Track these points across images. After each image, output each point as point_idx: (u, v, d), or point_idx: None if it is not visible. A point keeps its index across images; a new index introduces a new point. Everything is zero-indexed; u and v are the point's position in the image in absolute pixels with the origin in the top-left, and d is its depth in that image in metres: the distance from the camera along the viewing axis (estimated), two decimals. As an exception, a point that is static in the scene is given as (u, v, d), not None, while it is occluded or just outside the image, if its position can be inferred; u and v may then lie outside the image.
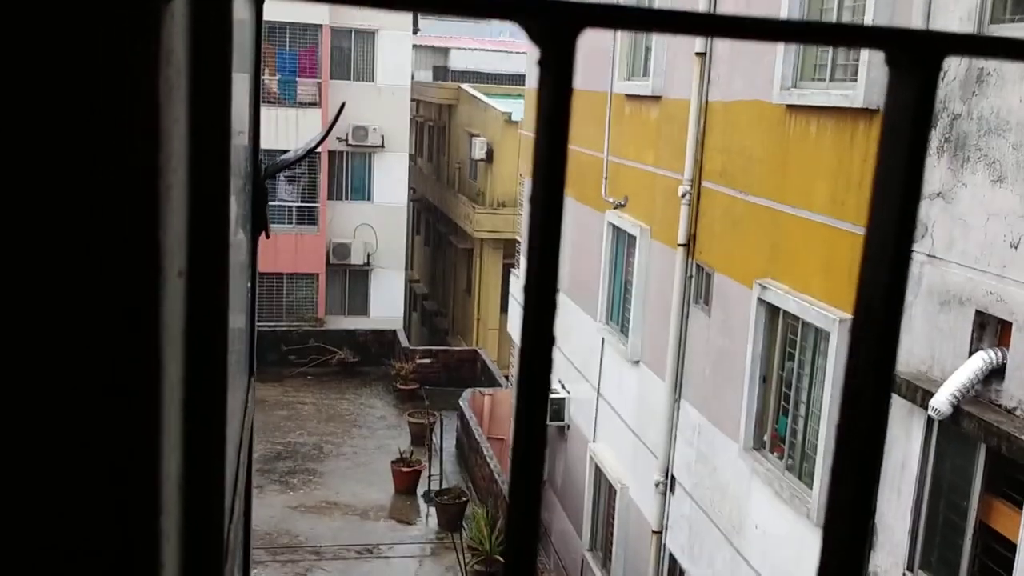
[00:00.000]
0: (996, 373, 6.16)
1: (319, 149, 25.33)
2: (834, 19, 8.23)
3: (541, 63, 0.38)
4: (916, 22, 6.92)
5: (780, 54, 8.73)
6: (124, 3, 0.44)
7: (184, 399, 0.63)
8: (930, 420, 6.63)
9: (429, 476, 17.94)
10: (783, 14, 8.70)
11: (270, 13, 25.86)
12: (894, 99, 0.43)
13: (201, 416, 0.66)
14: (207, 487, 0.68)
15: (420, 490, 18.07)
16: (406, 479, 18.02)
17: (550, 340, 0.42)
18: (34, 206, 0.46)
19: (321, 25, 25.49)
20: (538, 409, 0.43)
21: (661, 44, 11.55)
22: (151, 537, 0.48)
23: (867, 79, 7.45)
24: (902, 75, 0.42)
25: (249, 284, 1.59)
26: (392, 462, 18.24)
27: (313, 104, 25.52)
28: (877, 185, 0.44)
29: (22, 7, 0.44)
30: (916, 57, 0.42)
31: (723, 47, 10.11)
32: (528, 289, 0.41)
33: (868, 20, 7.47)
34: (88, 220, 0.46)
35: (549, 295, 0.41)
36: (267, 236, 1.67)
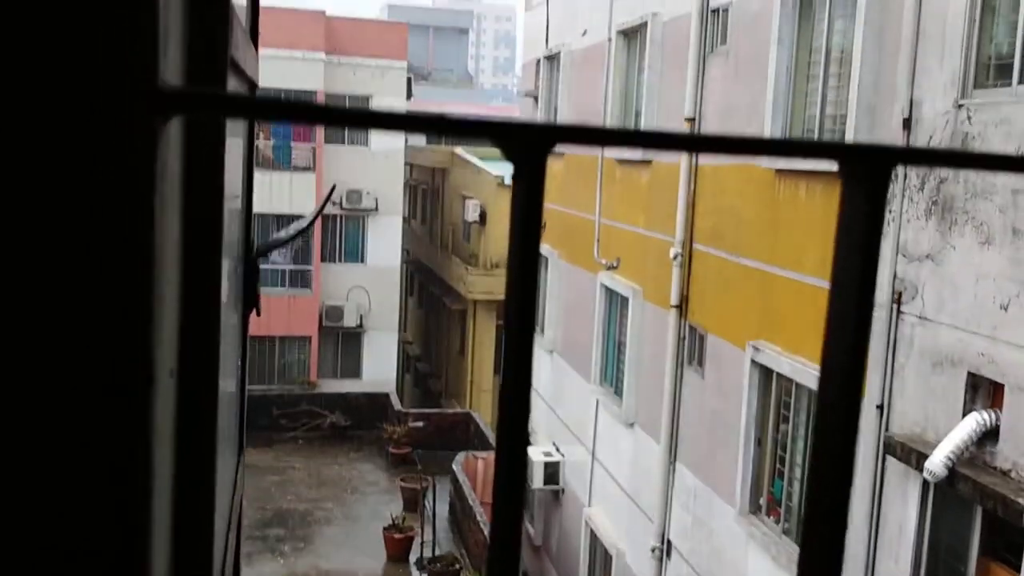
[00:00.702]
0: (990, 435, 6.14)
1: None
2: (819, 88, 8.38)
3: (514, 177, 0.40)
4: (901, 89, 7.05)
5: (768, 118, 8.87)
6: (123, 123, 0.46)
7: (174, 497, 0.63)
8: (925, 483, 6.59)
9: (422, 542, 17.67)
10: (769, 88, 8.85)
11: (263, 79, 26.21)
12: (847, 207, 0.45)
13: (189, 516, 0.67)
14: (196, 571, 0.68)
15: (413, 557, 17.80)
16: (398, 546, 17.75)
17: (523, 457, 0.43)
18: (30, 313, 0.47)
19: (316, 91, 25.84)
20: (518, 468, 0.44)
21: (651, 109, 11.73)
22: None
23: (855, 141, 7.55)
24: (854, 185, 0.45)
25: (239, 362, 1.60)
26: (384, 528, 17.99)
27: (307, 168, 25.74)
28: (834, 287, 0.46)
29: (26, 121, 0.45)
30: (867, 168, 0.45)
31: (712, 112, 10.27)
32: (503, 397, 0.42)
33: (854, 86, 7.60)
34: (80, 329, 0.47)
35: (523, 404, 0.43)
36: (258, 314, 1.67)
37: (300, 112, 0.39)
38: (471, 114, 0.43)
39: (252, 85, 1.51)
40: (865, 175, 0.45)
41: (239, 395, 1.64)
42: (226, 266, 1.11)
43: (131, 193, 0.47)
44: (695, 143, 0.46)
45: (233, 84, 1.08)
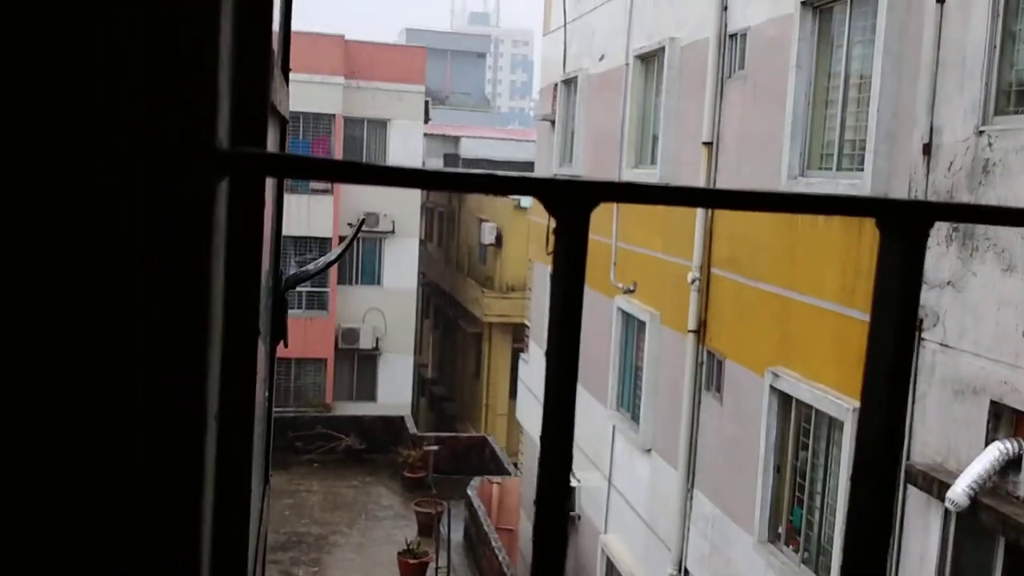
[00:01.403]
0: (1013, 464, 6.06)
1: (330, 236, 25.59)
2: (838, 114, 8.37)
3: (557, 233, 0.40)
4: (921, 115, 7.02)
5: (786, 144, 8.86)
6: (184, 185, 0.47)
7: (214, 525, 0.64)
8: (947, 512, 6.51)
9: (436, 568, 17.58)
10: (787, 114, 8.84)
11: (284, 103, 26.33)
12: (885, 262, 0.45)
13: (225, 556, 0.67)
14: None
15: (427, 581, 17.70)
16: (413, 571, 17.66)
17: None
18: (96, 370, 0.49)
19: (334, 115, 26.03)
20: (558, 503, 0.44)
21: (669, 132, 11.74)
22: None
23: (874, 168, 7.53)
24: (891, 240, 0.45)
25: (267, 393, 1.60)
26: (399, 553, 17.91)
27: (325, 191, 25.89)
28: (872, 340, 0.46)
29: (93, 183, 0.46)
30: (904, 224, 0.44)
31: (730, 137, 10.27)
32: (544, 444, 0.42)
33: (873, 112, 7.59)
34: (140, 378, 0.48)
35: (566, 451, 0.43)
36: (286, 346, 1.68)
37: (347, 172, 0.38)
38: (513, 173, 0.43)
39: (284, 121, 1.52)
40: (903, 231, 0.45)
41: (266, 426, 1.65)
42: (261, 300, 1.12)
43: (190, 252, 0.48)
44: (735, 199, 0.45)
45: (269, 126, 1.09)
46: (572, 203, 0.41)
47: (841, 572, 0.50)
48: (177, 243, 0.48)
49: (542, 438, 0.42)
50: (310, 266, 2.94)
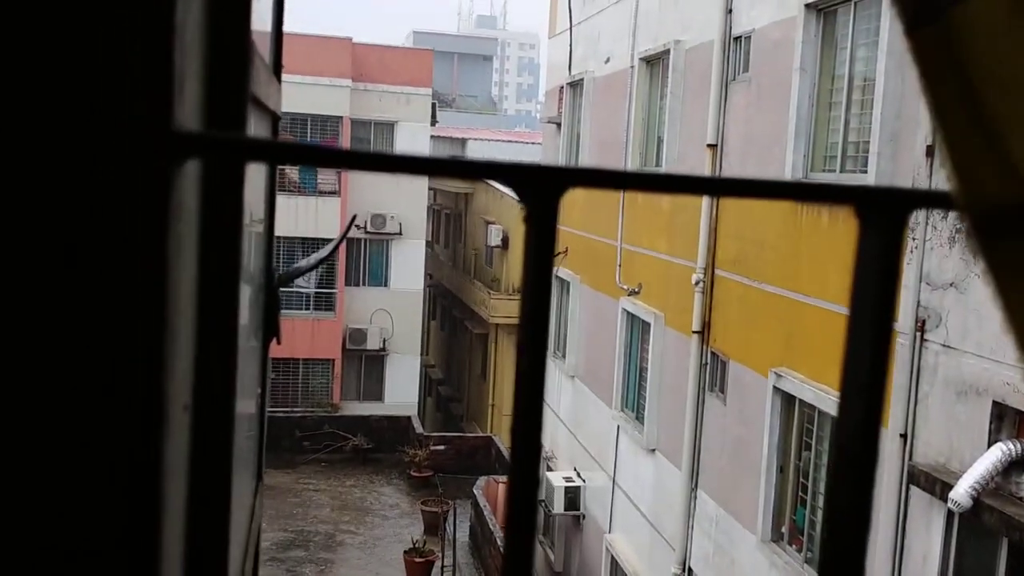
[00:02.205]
0: (1016, 465, 6.07)
1: (337, 236, 25.63)
2: (842, 116, 8.38)
3: (526, 220, 0.42)
4: (924, 117, 7.03)
5: (790, 146, 8.87)
6: (136, 166, 0.48)
7: (186, 533, 0.65)
8: (950, 513, 6.52)
9: (443, 567, 17.61)
10: (791, 116, 8.85)
11: (290, 105, 26.28)
12: (863, 252, 0.45)
13: (205, 546, 0.68)
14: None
15: (433, 581, 17.72)
16: (419, 570, 17.69)
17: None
18: (44, 354, 0.49)
19: (342, 117, 26.06)
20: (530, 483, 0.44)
21: (673, 136, 11.75)
22: None
23: (877, 170, 7.54)
24: (869, 229, 0.45)
25: (260, 390, 1.63)
26: (405, 552, 17.94)
27: (332, 193, 25.93)
28: (850, 333, 0.46)
29: (40, 161, 0.47)
30: (883, 212, 0.45)
31: (734, 138, 10.28)
32: (513, 438, 0.44)
33: (876, 114, 7.60)
34: (93, 369, 0.49)
35: (534, 446, 0.44)
36: (279, 343, 1.71)
37: (314, 155, 0.41)
38: (485, 152, 0.45)
39: (275, 118, 1.55)
40: (882, 220, 0.45)
41: (259, 422, 1.67)
42: (247, 294, 1.14)
43: (144, 236, 0.48)
44: (711, 186, 0.47)
45: (255, 120, 1.11)
46: (541, 189, 0.42)
47: (820, 569, 0.49)
48: (127, 227, 0.48)
49: (512, 435, 0.44)
50: (302, 263, 2.96)
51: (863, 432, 0.46)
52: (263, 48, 1.33)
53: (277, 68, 1.70)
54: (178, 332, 0.56)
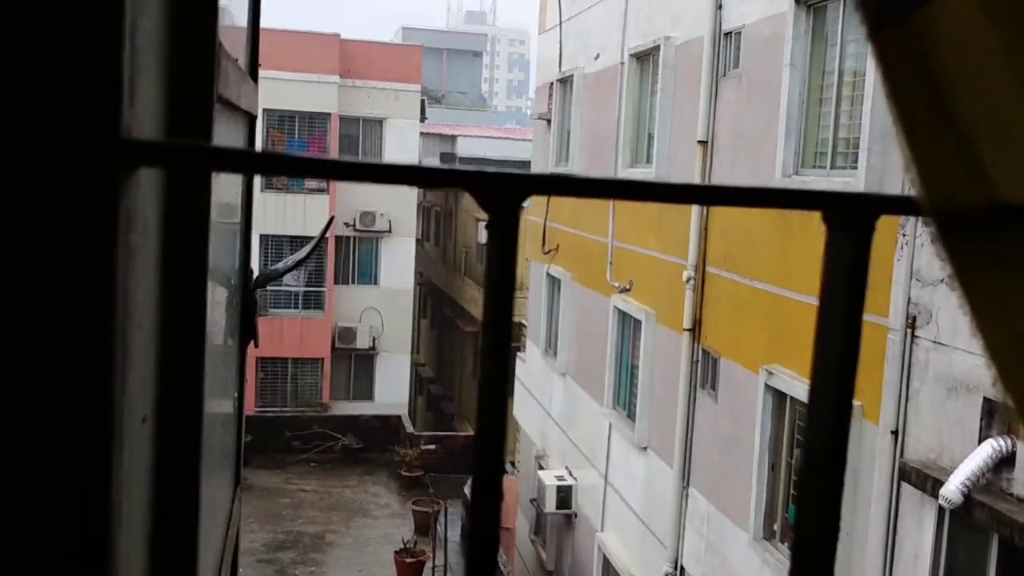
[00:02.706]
0: (1006, 461, 6.07)
1: (327, 234, 25.58)
2: (832, 111, 8.37)
3: (488, 226, 0.40)
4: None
5: (781, 140, 8.86)
6: (83, 175, 0.46)
7: (152, 534, 0.62)
8: (941, 509, 6.52)
9: (433, 567, 17.60)
10: (782, 111, 8.85)
11: (278, 102, 26.19)
12: (831, 256, 0.45)
13: (172, 556, 0.66)
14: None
15: (424, 580, 17.71)
16: (410, 570, 17.68)
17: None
18: None
19: (330, 114, 26.02)
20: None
21: (664, 131, 11.74)
22: None
23: (867, 166, 7.54)
24: (837, 234, 0.45)
25: (237, 394, 1.59)
26: (395, 552, 17.92)
27: (321, 191, 25.88)
28: (819, 335, 0.46)
29: None
30: (850, 218, 0.44)
31: (724, 135, 10.28)
32: (478, 441, 0.43)
33: (867, 110, 7.59)
34: (39, 381, 0.46)
35: (496, 449, 0.43)
36: (256, 345, 1.67)
37: (266, 163, 0.38)
38: (442, 165, 0.42)
39: (251, 118, 1.51)
40: (849, 225, 0.45)
41: (236, 425, 1.64)
42: (223, 296, 1.11)
43: (90, 245, 0.46)
44: (674, 192, 0.45)
45: (226, 121, 1.08)
46: (501, 196, 0.41)
47: (791, 567, 0.49)
48: (72, 236, 0.47)
49: (475, 443, 0.42)
50: (279, 265, 2.94)
51: (832, 436, 0.46)
52: (237, 47, 1.29)
53: (254, 67, 1.66)
54: (132, 343, 0.53)
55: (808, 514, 0.48)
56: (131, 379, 0.53)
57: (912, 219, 7.08)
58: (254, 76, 1.59)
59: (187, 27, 0.70)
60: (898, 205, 0.49)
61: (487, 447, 0.43)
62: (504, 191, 0.39)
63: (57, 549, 0.48)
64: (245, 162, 0.38)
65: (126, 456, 0.51)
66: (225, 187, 1.16)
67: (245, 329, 1.57)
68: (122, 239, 0.47)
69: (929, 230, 0.45)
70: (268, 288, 25.54)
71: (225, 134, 1.14)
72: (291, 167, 0.38)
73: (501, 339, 0.42)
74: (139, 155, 0.46)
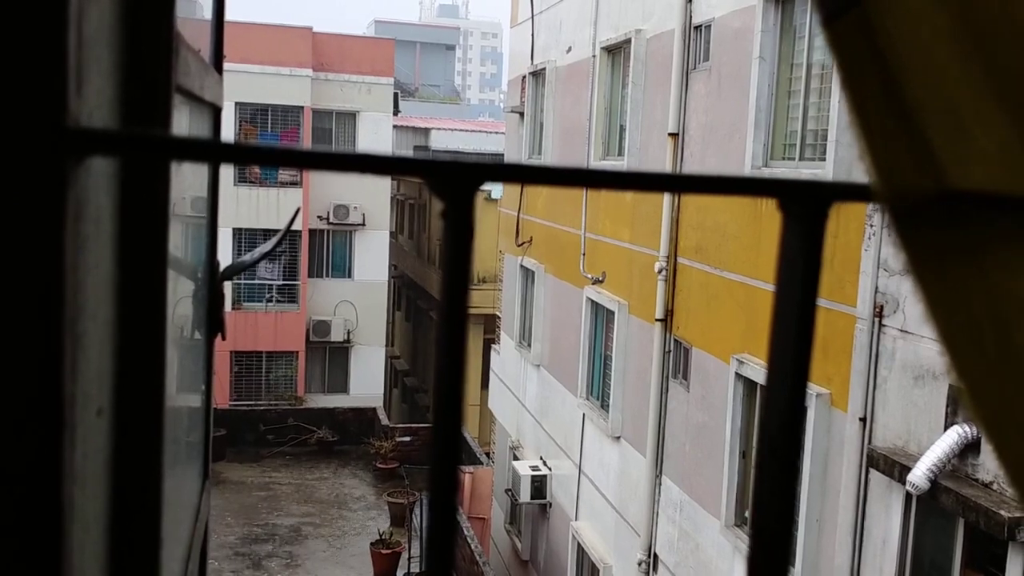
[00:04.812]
0: (972, 447, 6.18)
1: (300, 229, 25.45)
2: (801, 104, 8.45)
3: (443, 215, 0.42)
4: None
5: (751, 132, 8.93)
6: (26, 165, 0.46)
7: (110, 534, 0.63)
8: (908, 495, 6.62)
9: (409, 558, 17.61)
10: (751, 104, 8.92)
11: (251, 95, 25.91)
12: (786, 243, 0.45)
13: (133, 550, 0.66)
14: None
15: (400, 572, 17.72)
16: (385, 561, 17.68)
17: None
18: None
19: (303, 107, 25.85)
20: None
21: (635, 124, 11.79)
22: None
23: (835, 158, 7.62)
24: (792, 221, 0.45)
25: (204, 387, 1.60)
26: (371, 544, 17.91)
27: (294, 184, 25.72)
28: (775, 322, 0.47)
29: None
30: (805, 204, 0.45)
31: (695, 128, 10.33)
32: (434, 434, 0.43)
33: (835, 102, 7.67)
34: None
35: (453, 445, 0.44)
36: (223, 338, 1.68)
37: (217, 152, 0.40)
38: (399, 153, 0.45)
39: (215, 110, 1.52)
40: (804, 212, 0.45)
41: (204, 419, 1.65)
42: (187, 288, 1.12)
43: (35, 234, 0.46)
44: (629, 180, 0.47)
45: (189, 112, 1.09)
46: (456, 184, 0.42)
47: (748, 558, 0.49)
48: (15, 227, 0.46)
49: (432, 436, 0.44)
50: (246, 257, 2.94)
51: (786, 421, 0.47)
52: (201, 39, 1.30)
53: (218, 59, 1.67)
54: (85, 333, 0.54)
55: (764, 495, 0.48)
56: (85, 371, 0.53)
57: (879, 210, 7.17)
58: (219, 68, 1.59)
59: (142, 16, 0.70)
60: (852, 192, 0.49)
61: (446, 440, 0.44)
62: (457, 178, 0.41)
63: (3, 544, 0.48)
64: (196, 150, 0.39)
65: (80, 449, 0.51)
66: (190, 178, 1.17)
67: (212, 321, 1.57)
68: (70, 228, 0.47)
69: (884, 218, 0.46)
70: (242, 282, 25.36)
71: (187, 126, 1.15)
72: (246, 155, 0.40)
73: (456, 328, 0.43)
74: (86, 144, 0.47)
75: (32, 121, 0.46)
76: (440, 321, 0.44)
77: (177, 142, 0.40)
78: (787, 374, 0.47)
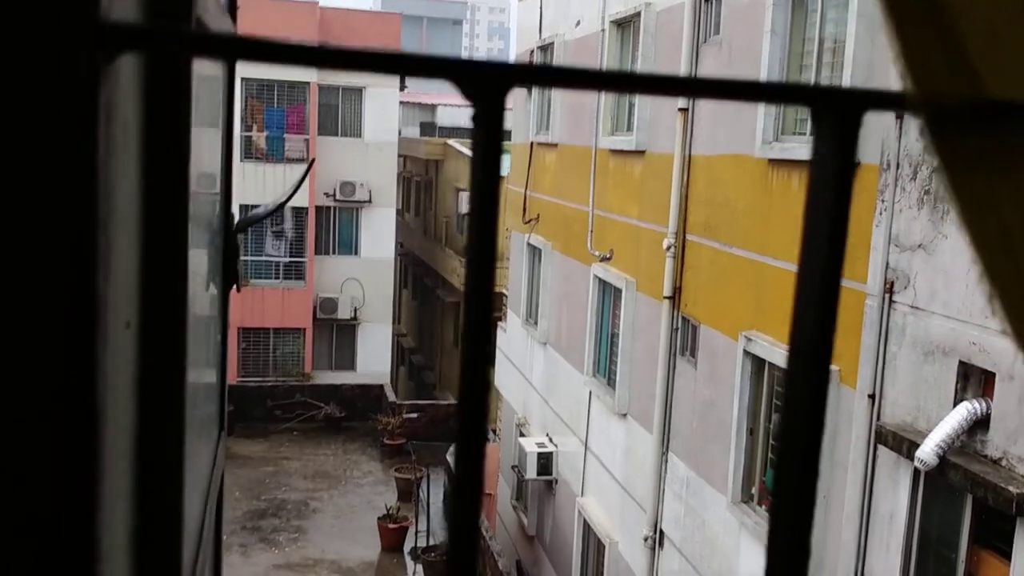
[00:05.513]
0: (981, 423, 6.16)
1: (306, 206, 25.44)
2: (812, 78, 8.38)
3: (474, 118, 0.40)
4: (895, 79, 7.04)
5: (761, 107, 8.87)
6: (59, 65, 0.45)
7: (137, 446, 0.62)
8: (917, 471, 6.62)
9: (416, 532, 17.71)
10: (763, 69, 8.85)
11: (258, 71, 25.93)
12: (819, 153, 0.45)
13: (156, 464, 0.66)
14: (163, 537, 0.67)
15: (407, 547, 17.83)
16: (393, 536, 17.79)
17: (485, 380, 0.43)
18: None
19: (309, 83, 25.77)
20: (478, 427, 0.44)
21: (645, 100, 11.71)
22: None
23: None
24: (825, 130, 0.45)
25: (220, 337, 1.59)
26: (379, 518, 18.02)
27: (301, 160, 25.68)
28: (806, 235, 0.46)
29: None
30: (838, 113, 0.44)
31: (706, 101, 10.27)
32: (465, 334, 0.43)
33: (847, 77, 7.61)
34: (19, 274, 0.46)
35: (482, 343, 0.43)
36: (238, 290, 1.67)
37: (249, 49, 0.38)
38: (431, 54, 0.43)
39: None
40: (836, 120, 0.45)
41: (220, 370, 1.64)
42: (203, 238, 1.10)
43: (70, 129, 0.46)
44: (661, 84, 0.45)
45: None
46: (487, 85, 0.41)
47: (769, 535, 0.48)
48: (55, 120, 0.45)
49: (462, 336, 0.43)
50: (260, 208, 2.93)
51: (817, 344, 0.46)
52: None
53: (232, 9, 1.65)
54: (115, 240, 0.53)
55: (787, 466, 0.48)
56: (115, 280, 0.52)
57: (891, 185, 7.12)
58: (233, 17, 1.58)
59: None
60: (886, 100, 0.49)
61: (473, 365, 0.43)
62: (489, 80, 0.39)
63: (41, 447, 0.48)
64: (227, 47, 0.38)
65: (111, 359, 0.50)
66: (204, 138, 1.15)
67: (228, 273, 1.56)
68: (103, 127, 0.46)
69: (917, 123, 0.46)
70: (249, 260, 25.38)
71: (205, 65, 1.13)
72: (273, 53, 0.39)
73: (486, 233, 0.42)
74: (118, 39, 0.45)
75: (66, 16, 0.44)
76: (471, 223, 0.43)
77: (209, 38, 0.38)
78: (818, 279, 0.46)
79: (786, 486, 0.48)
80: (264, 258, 25.89)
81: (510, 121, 20.20)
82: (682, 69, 10.47)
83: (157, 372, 0.68)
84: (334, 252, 27.19)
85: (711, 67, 10.13)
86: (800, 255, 0.47)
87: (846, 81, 7.61)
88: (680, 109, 10.53)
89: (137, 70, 0.60)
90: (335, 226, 27.21)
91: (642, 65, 11.70)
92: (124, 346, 0.58)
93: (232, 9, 1.63)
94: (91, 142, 0.45)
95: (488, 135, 0.41)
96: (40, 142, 0.45)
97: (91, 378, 0.47)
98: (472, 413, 0.44)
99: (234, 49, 0.38)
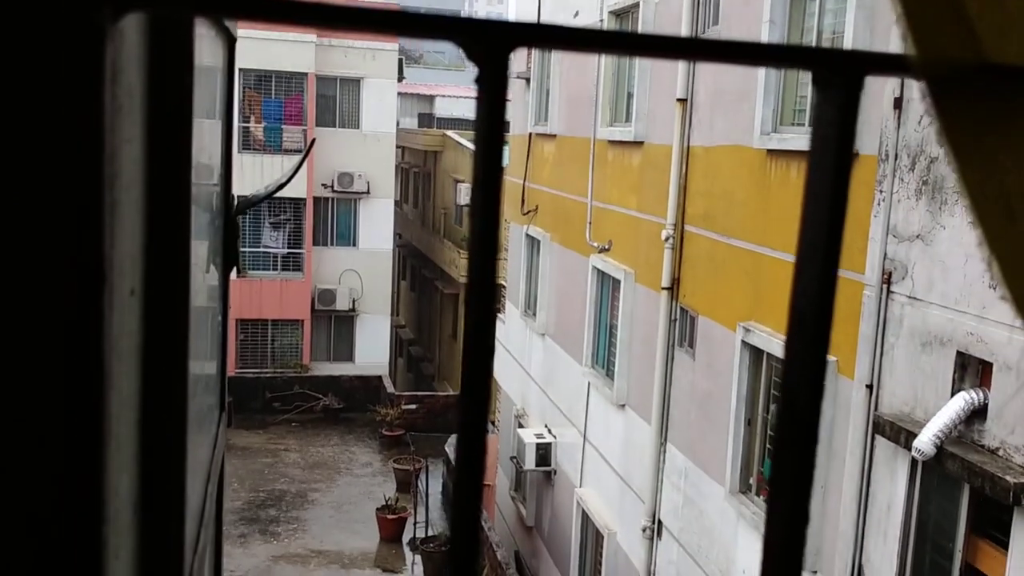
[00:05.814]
0: (978, 413, 6.18)
1: (304, 197, 25.41)
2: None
3: (477, 80, 0.40)
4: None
5: (760, 99, 8.86)
6: (65, 23, 0.45)
7: (140, 414, 0.63)
8: (914, 461, 6.63)
9: (415, 523, 17.74)
10: (759, 81, 8.84)
11: (256, 62, 25.85)
12: (820, 116, 0.45)
13: (159, 430, 0.66)
14: (166, 504, 0.68)
15: (406, 537, 17.87)
16: (392, 527, 17.82)
17: (489, 352, 0.43)
18: None
19: (307, 73, 25.71)
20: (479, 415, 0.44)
21: (643, 90, 11.70)
22: (94, 547, 0.48)
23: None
24: (827, 93, 0.45)
25: (220, 318, 1.59)
26: (377, 509, 18.05)
27: (299, 151, 25.64)
28: (807, 198, 0.46)
29: None
30: (839, 75, 0.44)
31: (703, 93, 10.26)
32: (469, 297, 0.43)
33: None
34: (27, 232, 0.46)
35: (488, 303, 0.43)
36: (239, 273, 1.67)
37: (247, 7, 0.38)
38: (435, 9, 0.43)
39: (231, 40, 1.50)
40: (838, 81, 0.45)
41: (220, 350, 1.64)
42: (205, 218, 1.10)
43: (77, 88, 0.45)
44: (664, 45, 0.45)
45: (210, 38, 1.07)
46: (490, 44, 0.41)
47: (766, 525, 0.48)
48: (62, 77, 0.45)
49: (466, 300, 0.43)
50: (260, 190, 2.93)
51: (818, 297, 0.46)
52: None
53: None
54: (119, 203, 0.53)
55: (784, 456, 0.48)
56: (119, 244, 0.52)
57: (889, 176, 7.12)
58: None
59: None
60: (888, 62, 0.49)
61: (477, 342, 0.43)
62: (492, 39, 0.39)
63: (47, 406, 0.47)
64: (228, 5, 0.38)
65: (116, 324, 0.50)
66: (205, 130, 1.15)
67: (228, 254, 1.56)
68: (108, 87, 0.46)
69: (919, 87, 0.46)
70: (247, 251, 25.37)
71: (210, 52, 1.13)
72: (273, 11, 0.39)
73: (491, 194, 0.42)
74: None
75: None
76: (474, 186, 0.43)
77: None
78: (820, 243, 0.46)
79: (784, 476, 0.48)
80: (262, 250, 25.87)
81: (509, 112, 20.14)
82: (681, 61, 10.44)
83: (161, 338, 0.68)
84: (332, 243, 27.17)
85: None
86: (801, 222, 0.47)
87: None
88: (679, 100, 10.52)
89: (141, 36, 0.60)
90: (333, 217, 27.18)
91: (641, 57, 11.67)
92: (129, 313, 0.58)
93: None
94: (97, 100, 0.45)
95: (492, 97, 0.41)
96: (46, 100, 0.45)
97: (98, 339, 0.47)
98: (474, 404, 0.44)
99: (234, 7, 0.38)
